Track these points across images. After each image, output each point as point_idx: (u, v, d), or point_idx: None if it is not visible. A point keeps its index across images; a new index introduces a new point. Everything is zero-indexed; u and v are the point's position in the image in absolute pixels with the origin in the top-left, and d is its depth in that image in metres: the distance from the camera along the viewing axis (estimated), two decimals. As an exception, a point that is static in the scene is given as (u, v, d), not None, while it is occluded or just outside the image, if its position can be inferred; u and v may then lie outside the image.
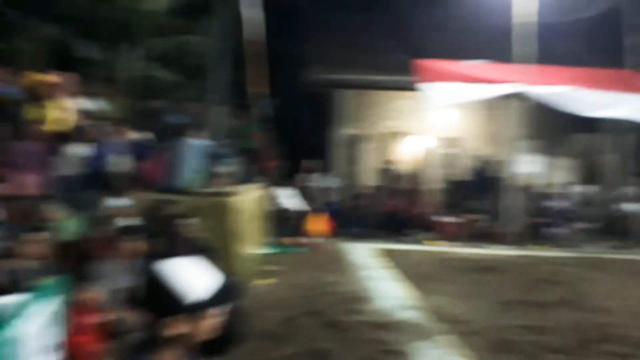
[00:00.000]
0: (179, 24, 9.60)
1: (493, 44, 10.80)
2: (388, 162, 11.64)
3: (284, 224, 8.83)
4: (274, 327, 4.55)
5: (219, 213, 6.06)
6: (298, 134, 12.45)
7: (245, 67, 10.03)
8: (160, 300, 1.36)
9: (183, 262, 1.42)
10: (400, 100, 11.73)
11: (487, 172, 11.10)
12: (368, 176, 11.83)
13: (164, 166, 6.42)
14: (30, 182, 5.45)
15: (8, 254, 3.87)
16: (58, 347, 1.47)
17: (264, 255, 7.43)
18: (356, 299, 5.62)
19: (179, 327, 1.36)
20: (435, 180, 11.81)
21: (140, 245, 4.51)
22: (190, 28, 10.14)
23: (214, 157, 6.85)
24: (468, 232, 10.21)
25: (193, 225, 5.35)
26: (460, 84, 9.66)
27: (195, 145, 6.46)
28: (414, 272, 7.10)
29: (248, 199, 6.94)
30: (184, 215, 5.36)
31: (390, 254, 8.22)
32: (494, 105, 10.94)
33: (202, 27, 10.52)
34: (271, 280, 6.28)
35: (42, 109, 6.02)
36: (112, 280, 4.04)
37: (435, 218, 10.46)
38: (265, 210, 8.04)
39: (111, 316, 3.77)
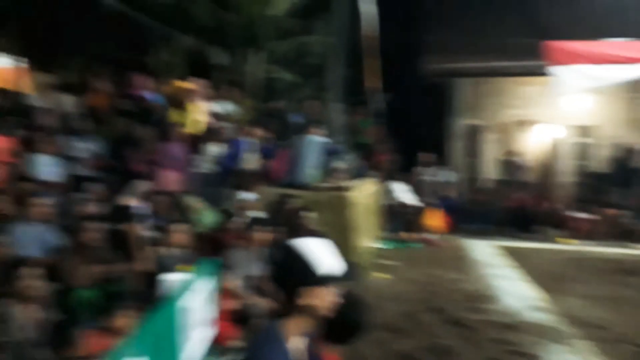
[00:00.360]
0: (298, 25, 10.01)
1: (635, 20, 9.53)
2: (512, 153, 10.93)
3: (398, 219, 8.78)
4: (393, 321, 4.58)
5: (337, 207, 6.26)
6: (413, 127, 12.23)
7: (360, 63, 10.14)
8: (296, 269, 1.48)
9: (315, 241, 1.56)
10: (526, 87, 10.92)
11: (631, 162, 9.88)
12: (489, 169, 11.23)
13: (287, 163, 6.79)
14: (172, 179, 6.15)
15: (155, 243, 4.41)
16: (212, 322, 1.70)
17: (379, 249, 7.49)
18: (480, 298, 5.42)
19: (310, 297, 1.47)
20: (566, 172, 10.82)
21: (269, 235, 4.85)
22: (309, 29, 10.52)
23: (332, 153, 7.06)
24: (607, 229, 9.19)
25: (313, 218, 5.61)
26: (597, 66, 8.72)
27: (315, 142, 6.72)
28: (543, 271, 6.62)
29: (364, 193, 7.05)
30: (305, 209, 5.64)
31: (515, 252, 7.74)
32: (636, 87, 9.70)
33: (319, 26, 10.85)
34: (387, 275, 6.31)
35: (182, 114, 6.74)
36: (243, 268, 4.40)
37: (567, 214, 9.59)
38: (380, 204, 8.07)
39: (244, 302, 4.10)
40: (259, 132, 7.08)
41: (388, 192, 8.88)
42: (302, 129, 7.80)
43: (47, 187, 5.03)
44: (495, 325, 4.56)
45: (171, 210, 5.36)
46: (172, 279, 1.94)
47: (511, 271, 6.72)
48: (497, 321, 4.68)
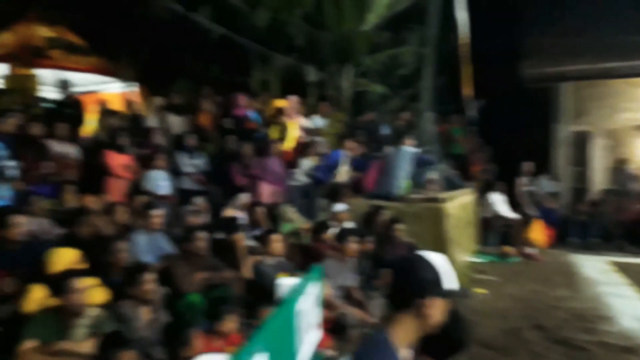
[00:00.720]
0: (389, 38, 10.05)
1: None
2: (625, 161, 9.95)
3: (495, 232, 8.37)
4: (495, 338, 4.38)
5: (431, 218, 6.15)
6: (512, 135, 11.61)
7: (451, 71, 9.91)
8: (425, 278, 1.51)
9: (437, 255, 1.59)
10: (640, 88, 9.95)
11: None
12: (598, 178, 10.32)
13: (378, 174, 6.81)
14: (270, 192, 6.46)
15: (254, 252, 4.65)
16: (319, 326, 1.79)
17: (476, 263, 7.19)
18: (593, 317, 5.00)
19: (429, 308, 1.50)
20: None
21: (362, 246, 4.91)
22: (400, 40, 10.52)
23: (424, 164, 6.96)
24: None
25: (404, 230, 5.57)
26: None
27: (406, 152, 6.68)
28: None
29: (459, 204, 6.84)
30: (396, 220, 5.62)
31: (630, 269, 7.02)
32: None
33: (410, 37, 10.80)
34: (485, 290, 6.04)
35: (279, 130, 7.08)
36: (337, 278, 4.49)
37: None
38: (476, 216, 7.77)
39: (337, 311, 4.18)
40: (351, 144, 7.20)
41: (484, 204, 8.52)
42: (393, 140, 7.80)
43: (160, 199, 5.55)
44: (610, 348, 4.18)
45: (268, 221, 5.63)
46: (286, 282, 2.12)
47: (626, 289, 6.11)
48: (612, 343, 4.28)
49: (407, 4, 9.84)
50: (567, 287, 6.14)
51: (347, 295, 4.60)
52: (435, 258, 1.56)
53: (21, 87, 7.93)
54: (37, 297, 3.06)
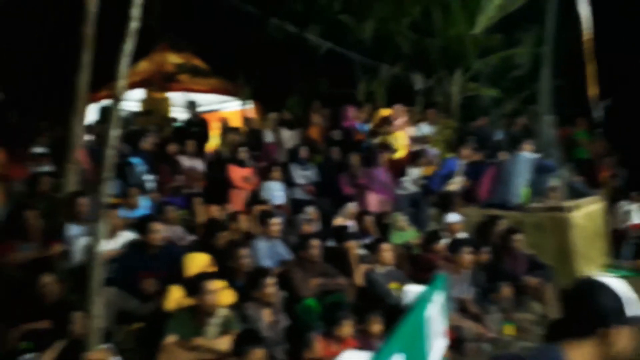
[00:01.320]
0: (500, 40, 9.63)
1: None
2: None
3: (629, 244, 7.49)
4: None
5: (555, 229, 5.75)
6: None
7: (573, 70, 9.18)
8: (608, 306, 1.45)
9: (617, 279, 1.52)
10: None
11: None
12: None
13: (494, 182, 6.52)
14: (378, 201, 6.51)
15: (365, 260, 4.71)
16: (444, 334, 1.81)
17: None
18: None
19: (612, 337, 1.44)
20: None
21: (477, 257, 4.75)
22: (513, 41, 10.03)
23: (544, 170, 6.51)
24: None
25: (524, 241, 5.26)
26: None
27: (524, 158, 6.31)
28: None
29: (585, 214, 6.29)
30: (515, 231, 5.33)
31: None
32: None
33: (524, 37, 10.24)
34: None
35: (387, 139, 7.12)
36: (451, 290, 4.38)
37: None
38: (606, 227, 7.05)
39: (453, 324, 4.08)
40: (466, 152, 6.97)
41: (616, 213, 7.70)
42: (507, 146, 7.42)
43: (276, 209, 5.88)
44: None
45: (377, 230, 5.68)
46: (413, 290, 2.21)
47: None
48: None
49: (521, 3, 9.35)
50: None
51: (462, 308, 4.47)
52: (616, 284, 1.50)
53: (156, 109, 8.96)
54: (175, 297, 3.43)
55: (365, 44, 9.40)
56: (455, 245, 4.64)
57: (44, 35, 7.97)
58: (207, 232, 4.48)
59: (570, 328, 1.49)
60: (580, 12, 8.77)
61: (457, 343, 4.06)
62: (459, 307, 4.45)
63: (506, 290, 4.76)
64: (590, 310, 1.46)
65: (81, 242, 4.01)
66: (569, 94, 9.34)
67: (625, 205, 7.72)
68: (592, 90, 8.69)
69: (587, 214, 6.35)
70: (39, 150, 5.29)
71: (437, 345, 1.75)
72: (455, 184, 6.47)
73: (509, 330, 4.64)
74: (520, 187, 6.14)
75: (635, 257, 7.31)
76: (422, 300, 1.70)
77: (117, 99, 2.61)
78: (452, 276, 4.48)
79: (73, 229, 4.21)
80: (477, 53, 9.25)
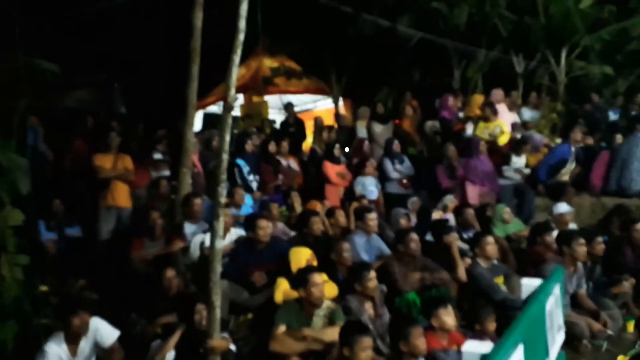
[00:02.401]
0: (612, 11, 8.77)
1: None
2: None
3: None
4: None
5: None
6: None
7: None
8: None
9: None
10: None
11: None
12: None
13: (609, 167, 5.99)
14: (478, 193, 6.27)
15: (464, 254, 4.58)
16: (562, 327, 1.75)
17: None
18: None
19: None
20: None
21: (590, 249, 4.43)
22: (627, 11, 9.07)
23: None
24: None
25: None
26: None
27: (646, 140, 5.73)
28: None
29: None
30: (636, 220, 4.88)
31: None
32: None
33: (637, 8, 9.21)
34: None
35: (486, 127, 6.84)
36: (565, 285, 4.13)
37: None
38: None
39: (567, 320, 3.85)
40: (576, 136, 6.47)
41: None
42: (623, 127, 6.77)
43: (372, 204, 5.93)
44: None
45: (478, 223, 5.49)
46: (530, 283, 2.19)
47: None
48: None
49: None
50: None
51: (577, 304, 4.20)
52: None
53: (255, 112, 9.45)
54: (283, 289, 3.64)
55: (459, 29, 9.07)
56: (566, 237, 4.35)
57: (157, 52, 8.77)
58: (302, 222, 4.67)
59: None
60: None
61: (571, 340, 3.84)
62: (573, 303, 4.19)
63: (627, 284, 4.40)
64: None
65: (197, 239, 4.39)
66: None
67: None
68: None
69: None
70: (158, 156, 5.85)
71: (557, 338, 1.71)
72: (566, 171, 6.03)
73: (630, 327, 4.28)
74: (639, 172, 5.58)
75: None
76: (542, 292, 1.67)
77: (228, 107, 2.82)
78: (566, 270, 4.22)
79: (190, 227, 4.63)
80: (586, 28, 8.50)
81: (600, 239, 4.63)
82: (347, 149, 7.42)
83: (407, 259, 4.28)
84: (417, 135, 7.87)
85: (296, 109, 9.30)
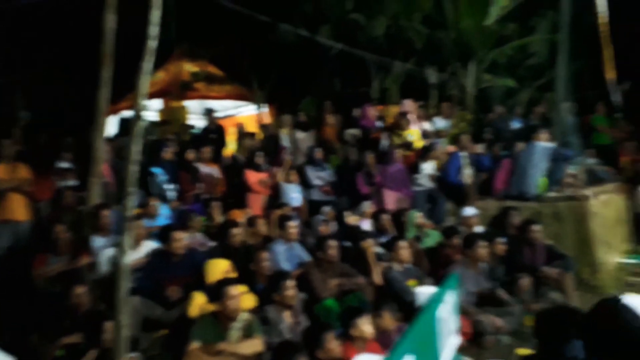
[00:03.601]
0: (514, 29, 9.54)
1: None
2: None
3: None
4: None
5: (573, 218, 5.72)
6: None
7: (591, 55, 9.00)
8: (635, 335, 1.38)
9: None
10: None
11: None
12: None
13: (510, 173, 6.48)
14: (394, 199, 6.55)
15: (380, 259, 4.76)
16: (458, 331, 1.86)
17: (629, 265, 6.40)
18: None
19: None
20: None
21: (492, 250, 4.76)
22: (528, 29, 9.91)
23: (561, 159, 6.43)
24: None
25: (542, 232, 5.23)
26: None
27: (540, 148, 6.26)
28: None
29: (606, 201, 6.22)
30: (533, 221, 5.31)
31: None
32: None
33: (539, 24, 10.10)
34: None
35: (400, 136, 7.15)
36: (467, 284, 4.42)
37: None
38: (628, 212, 6.94)
39: (472, 318, 4.12)
40: (468, 143, 6.96)
41: (638, 197, 7.56)
42: (524, 136, 7.36)
43: (294, 211, 5.99)
44: None
45: (394, 228, 5.72)
46: (425, 291, 2.25)
47: None
48: None
49: (534, -10, 9.24)
50: None
51: (481, 302, 4.50)
52: None
53: (174, 118, 9.17)
54: (198, 303, 3.57)
55: (377, 41, 9.42)
56: (469, 239, 4.66)
57: (65, 54, 8.25)
58: (222, 232, 4.62)
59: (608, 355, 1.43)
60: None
61: (476, 336, 4.11)
62: (477, 301, 4.48)
63: (525, 282, 4.76)
64: (624, 340, 1.40)
65: (106, 253, 4.19)
66: (589, 79, 9.19)
67: (643, 191, 7.57)
68: (610, 74, 8.51)
69: (606, 200, 6.28)
70: (63, 165, 5.50)
71: (450, 344, 1.82)
72: (469, 177, 6.46)
73: (529, 321, 4.64)
74: (537, 177, 6.10)
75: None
76: (434, 301, 1.76)
77: (138, 115, 2.73)
78: (469, 270, 4.51)
79: (98, 241, 4.40)
80: (491, 44, 9.18)
81: (501, 239, 4.99)
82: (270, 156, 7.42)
83: (326, 265, 4.38)
84: (339, 143, 8.05)
85: (218, 115, 9.15)
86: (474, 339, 4.03)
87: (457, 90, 9.46)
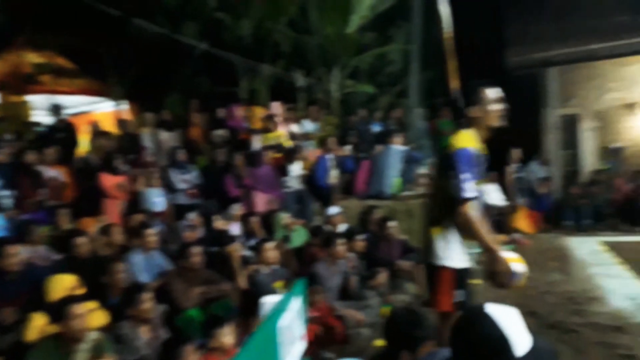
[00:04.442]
0: (375, 37, 10.17)
1: None
2: (615, 141, 10.04)
3: (488, 221, 8.42)
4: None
5: (420, 215, 6.26)
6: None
7: (441, 65, 10.00)
8: (496, 350, 1.34)
9: (508, 311, 1.42)
10: (627, 67, 10.01)
11: None
12: (590, 160, 10.40)
13: (370, 174, 6.92)
14: (263, 200, 6.56)
15: (250, 262, 4.74)
16: (302, 337, 1.88)
17: (472, 254, 7.26)
18: (584, 299, 5.10)
19: None
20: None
21: (351, 246, 5.02)
22: (386, 38, 10.64)
23: (413, 161, 7.05)
24: None
25: (397, 228, 5.66)
26: None
27: (394, 151, 6.78)
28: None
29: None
30: (389, 219, 5.72)
31: (623, 248, 7.11)
32: None
33: (396, 34, 10.92)
34: (479, 280, 6.12)
35: (268, 138, 7.18)
36: (329, 280, 4.59)
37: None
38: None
39: (333, 313, 4.27)
40: (333, 146, 7.28)
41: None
42: (383, 139, 7.91)
43: (156, 216, 5.66)
44: (600, 328, 4.27)
45: (264, 230, 5.73)
46: (269, 300, 2.23)
47: (617, 268, 6.21)
48: (603, 324, 4.37)
49: (391, 2, 9.94)
50: (560, 271, 6.24)
51: (342, 297, 4.70)
52: (506, 318, 1.38)
53: (14, 115, 8.06)
54: (37, 325, 3.17)
55: (244, 42, 9.35)
56: (328, 238, 4.84)
57: None
58: (66, 243, 4.18)
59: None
60: (440, 11, 9.54)
61: (341, 331, 4.28)
62: (338, 297, 4.68)
63: (382, 276, 5.09)
64: (471, 353, 1.38)
65: None
66: (439, 87, 10.18)
67: (485, 187, 8.63)
68: (454, 83, 9.53)
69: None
70: None
71: (293, 352, 1.84)
72: (334, 178, 6.75)
73: (386, 312, 4.99)
74: (392, 178, 6.59)
75: (495, 233, 8.20)
76: (277, 310, 1.77)
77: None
78: (330, 268, 4.69)
79: None
80: (353, 51, 9.68)
81: (361, 236, 5.28)
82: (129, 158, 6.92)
83: (189, 273, 4.20)
84: (206, 144, 7.81)
85: (68, 111, 8.27)
86: (338, 334, 4.17)
87: (323, 95, 9.82)
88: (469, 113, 2.73)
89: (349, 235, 5.12)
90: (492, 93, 2.72)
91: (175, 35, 8.33)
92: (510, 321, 1.39)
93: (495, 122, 2.73)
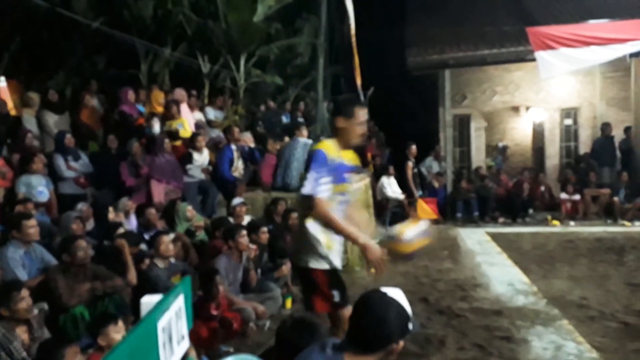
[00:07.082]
0: (280, 28, 10.10)
1: (614, 1, 9.63)
2: (502, 139, 11.04)
3: (388, 213, 8.89)
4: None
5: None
6: (401, 120, 12.30)
7: (347, 60, 10.21)
8: (396, 326, 1.54)
9: (399, 293, 1.61)
10: (513, 73, 11.02)
11: (621, 142, 9.97)
12: (480, 157, 11.33)
13: (275, 166, 6.88)
14: (161, 190, 6.24)
15: (146, 256, 4.50)
16: (186, 336, 1.80)
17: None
18: (469, 286, 5.54)
19: (399, 348, 1.58)
20: (556, 155, 10.94)
21: (255, 238, 4.97)
22: (295, 30, 10.62)
23: (319, 153, 7.14)
24: (598, 209, 9.35)
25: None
26: (579, 48, 8.86)
27: (300, 143, 6.82)
28: (533, 255, 6.79)
29: (356, 189, 7.15)
30: (293, 210, 5.74)
31: (506, 238, 7.87)
32: (618, 67, 9.86)
33: (304, 27, 10.95)
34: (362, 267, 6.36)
35: (169, 124, 6.84)
36: (231, 273, 4.52)
37: (559, 196, 9.71)
38: (372, 199, 8.16)
39: (232, 307, 4.21)
40: (245, 137, 7.18)
41: (378, 187, 8.97)
42: (289, 131, 7.92)
43: (38, 207, 5.14)
44: (483, 313, 4.66)
45: (161, 221, 5.46)
46: (148, 301, 2.07)
47: (498, 257, 6.84)
48: (485, 308, 4.78)
49: (298, -6, 9.94)
50: (451, 260, 6.74)
51: (243, 290, 4.65)
52: (400, 297, 1.59)
53: None
54: None
55: (145, 22, 8.81)
56: (230, 230, 4.75)
57: None
58: None
59: (361, 345, 1.54)
60: (346, 6, 9.73)
61: (241, 325, 4.22)
62: (240, 290, 4.62)
63: (286, 267, 5.10)
64: (381, 331, 1.53)
65: None
66: (345, 82, 10.39)
67: (383, 180, 9.06)
68: (358, 79, 9.80)
69: (356, 189, 7.22)
70: None
71: (177, 351, 1.76)
72: (239, 169, 6.63)
73: (288, 303, 5.02)
74: (298, 170, 6.62)
75: (392, 224, 8.63)
76: (154, 311, 1.67)
77: None
78: (233, 260, 4.61)
79: None
80: (260, 40, 9.55)
81: (265, 228, 5.24)
82: (8, 141, 6.22)
83: (75, 269, 3.87)
84: (100, 128, 7.26)
85: None
86: (230, 328, 4.09)
87: (229, 82, 9.60)
88: (336, 122, 2.75)
89: (252, 227, 5.05)
90: (362, 114, 2.74)
91: (61, 9, 7.58)
92: (404, 299, 1.56)
93: (357, 140, 2.78)
